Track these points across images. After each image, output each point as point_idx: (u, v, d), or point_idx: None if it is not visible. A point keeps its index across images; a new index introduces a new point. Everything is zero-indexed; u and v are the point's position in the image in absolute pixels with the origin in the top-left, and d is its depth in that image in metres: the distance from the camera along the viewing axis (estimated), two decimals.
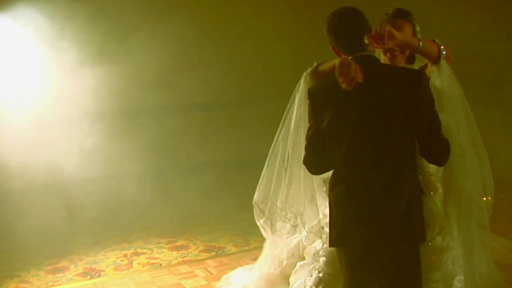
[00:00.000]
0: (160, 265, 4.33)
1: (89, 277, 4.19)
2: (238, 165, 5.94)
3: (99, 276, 4.20)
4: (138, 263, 4.39)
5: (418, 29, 3.06)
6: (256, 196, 3.25)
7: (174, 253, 4.54)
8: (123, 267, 4.32)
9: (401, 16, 3.00)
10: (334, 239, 2.72)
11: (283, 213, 3.15)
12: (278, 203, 3.16)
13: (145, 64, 5.64)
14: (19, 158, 4.96)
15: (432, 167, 3.03)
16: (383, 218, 2.61)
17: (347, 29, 2.62)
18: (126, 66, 5.43)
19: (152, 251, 4.62)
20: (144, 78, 5.77)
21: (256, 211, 3.28)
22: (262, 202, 3.22)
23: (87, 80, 5.25)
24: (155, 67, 5.71)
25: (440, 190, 3.02)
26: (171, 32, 5.57)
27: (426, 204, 2.83)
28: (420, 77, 2.63)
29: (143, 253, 4.58)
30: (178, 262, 4.35)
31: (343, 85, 2.50)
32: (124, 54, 5.47)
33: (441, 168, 3.00)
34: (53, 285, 4.10)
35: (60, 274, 4.28)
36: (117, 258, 4.52)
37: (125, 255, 4.56)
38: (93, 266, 4.38)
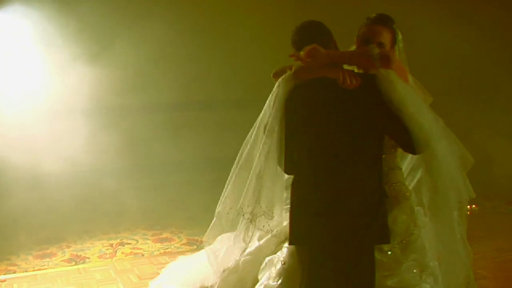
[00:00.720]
0: (142, 255, 4.50)
1: (73, 263, 4.37)
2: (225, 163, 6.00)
3: (83, 262, 4.38)
4: (122, 253, 4.56)
5: (400, 37, 3.08)
6: (220, 207, 2.93)
7: (158, 245, 4.70)
8: (107, 256, 4.50)
9: (380, 22, 3.02)
10: (294, 238, 2.85)
11: (252, 223, 2.87)
12: (247, 212, 2.84)
13: (127, 64, 5.82)
14: (9, 150, 5.16)
15: (403, 175, 3.13)
16: (340, 219, 2.75)
17: (305, 42, 2.77)
18: (109, 66, 5.59)
19: (137, 242, 4.79)
20: (126, 78, 5.95)
21: (215, 226, 2.99)
22: (227, 213, 2.93)
23: (71, 78, 5.44)
24: (137, 67, 5.91)
25: (412, 198, 3.10)
26: (151, 34, 5.75)
27: (392, 212, 2.92)
28: (373, 80, 2.76)
29: (128, 244, 4.76)
30: (159, 253, 4.51)
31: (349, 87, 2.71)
32: (107, 55, 5.64)
33: (417, 175, 3.13)
34: (39, 269, 4.27)
35: (47, 259, 4.46)
36: (103, 247, 4.70)
37: (111, 245, 4.74)
38: (79, 253, 4.56)
